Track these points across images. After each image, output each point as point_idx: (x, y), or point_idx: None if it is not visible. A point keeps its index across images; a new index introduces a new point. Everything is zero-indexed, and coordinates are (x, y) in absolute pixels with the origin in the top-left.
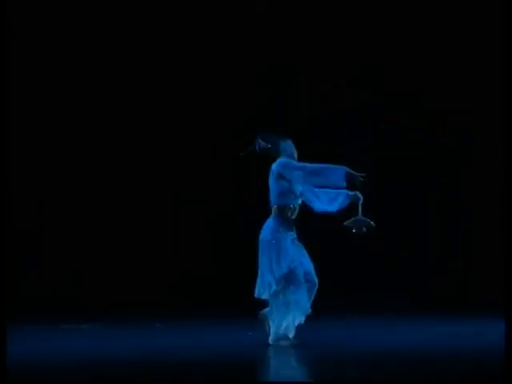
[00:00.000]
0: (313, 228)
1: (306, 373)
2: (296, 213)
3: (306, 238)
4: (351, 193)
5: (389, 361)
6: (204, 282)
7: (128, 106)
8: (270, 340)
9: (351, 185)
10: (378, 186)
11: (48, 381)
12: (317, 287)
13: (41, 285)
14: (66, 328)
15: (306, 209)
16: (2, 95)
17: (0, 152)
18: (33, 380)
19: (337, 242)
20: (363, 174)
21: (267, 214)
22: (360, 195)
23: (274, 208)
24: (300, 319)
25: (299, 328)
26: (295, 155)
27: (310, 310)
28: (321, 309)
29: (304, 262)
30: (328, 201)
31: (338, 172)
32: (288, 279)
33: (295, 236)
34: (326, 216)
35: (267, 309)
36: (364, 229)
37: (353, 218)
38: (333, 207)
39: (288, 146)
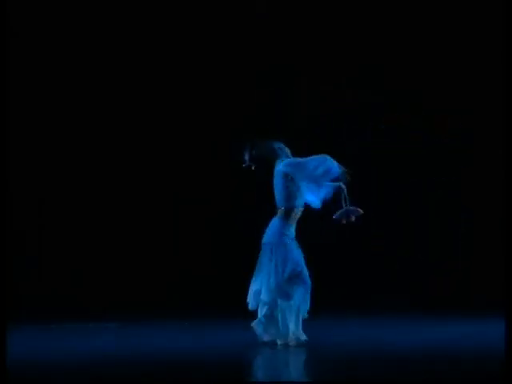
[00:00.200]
0: (313, 228)
1: (306, 373)
2: (300, 214)
3: (306, 238)
4: (335, 184)
5: (389, 361)
6: (204, 282)
7: (128, 106)
8: (279, 342)
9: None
10: (378, 185)
11: (48, 381)
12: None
13: (41, 285)
14: (55, 328)
15: (306, 209)
16: (1, 95)
17: (0, 152)
18: (33, 380)
19: (337, 242)
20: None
21: (267, 214)
22: (343, 186)
23: (280, 210)
24: (301, 320)
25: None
26: (290, 154)
27: (307, 314)
28: (321, 309)
29: (304, 265)
30: (312, 193)
31: (329, 160)
32: (294, 282)
33: (293, 236)
34: (325, 216)
35: (260, 318)
36: (353, 218)
37: (340, 210)
38: (317, 199)
39: (282, 146)
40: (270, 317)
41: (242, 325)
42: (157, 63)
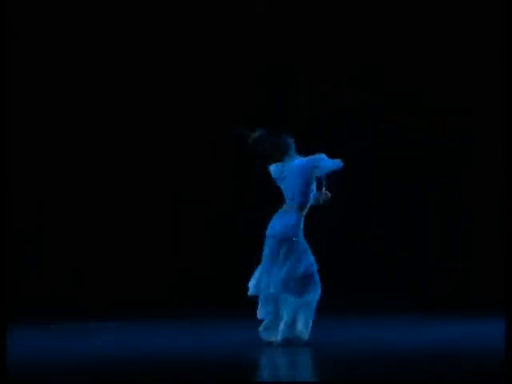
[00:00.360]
0: (313, 228)
1: (307, 373)
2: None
3: (306, 238)
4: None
5: (389, 361)
6: (204, 282)
7: (128, 106)
8: (281, 340)
9: None
10: (378, 185)
11: (48, 381)
12: None
13: (41, 285)
14: (55, 328)
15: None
16: (1, 95)
17: (0, 152)
18: (33, 380)
19: (337, 242)
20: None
21: (267, 214)
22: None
23: (295, 206)
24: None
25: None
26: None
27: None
28: (321, 309)
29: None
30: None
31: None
32: (308, 281)
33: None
34: (326, 216)
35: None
36: (321, 200)
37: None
38: (332, 163)
39: (292, 141)
40: (275, 315)
41: (242, 325)
42: (157, 63)
